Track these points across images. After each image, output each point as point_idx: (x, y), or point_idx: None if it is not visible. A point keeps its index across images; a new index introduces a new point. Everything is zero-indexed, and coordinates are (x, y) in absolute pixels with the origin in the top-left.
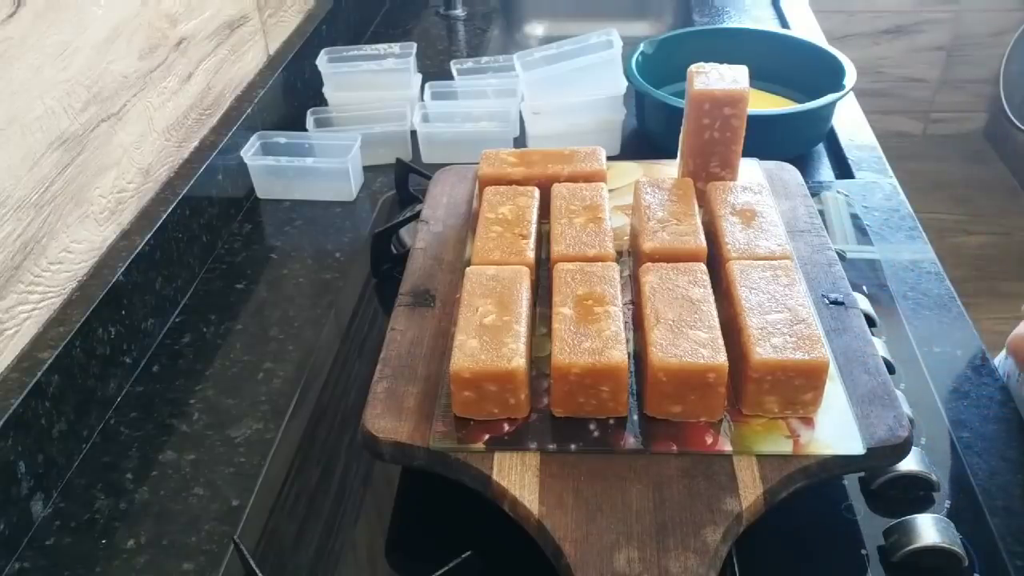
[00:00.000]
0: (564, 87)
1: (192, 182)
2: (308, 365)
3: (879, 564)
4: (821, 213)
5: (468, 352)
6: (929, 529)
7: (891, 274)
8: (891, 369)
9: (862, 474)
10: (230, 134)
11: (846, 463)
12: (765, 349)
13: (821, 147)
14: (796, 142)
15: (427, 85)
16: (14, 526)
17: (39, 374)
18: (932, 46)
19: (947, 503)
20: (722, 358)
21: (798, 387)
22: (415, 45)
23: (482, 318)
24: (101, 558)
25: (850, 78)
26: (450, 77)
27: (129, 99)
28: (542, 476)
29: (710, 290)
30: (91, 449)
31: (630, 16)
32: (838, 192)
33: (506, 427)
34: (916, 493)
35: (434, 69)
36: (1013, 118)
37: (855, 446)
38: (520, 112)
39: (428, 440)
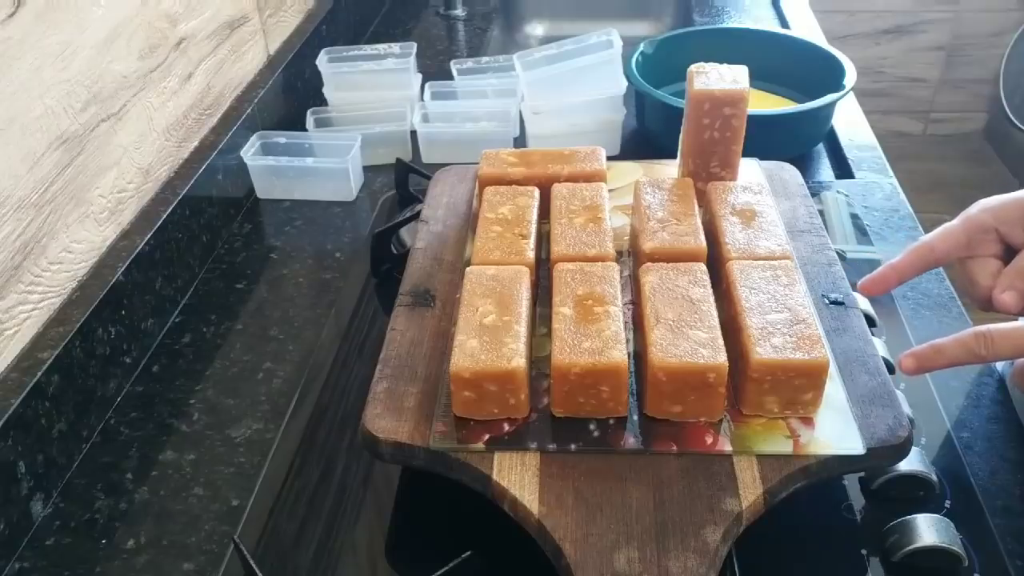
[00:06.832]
0: (564, 87)
1: (192, 182)
2: (308, 365)
3: (879, 564)
4: (821, 213)
5: (468, 352)
6: (929, 529)
7: None
8: (891, 369)
9: (862, 474)
10: (230, 134)
11: (846, 463)
12: (765, 349)
13: (821, 147)
14: (796, 142)
15: (427, 85)
16: (14, 526)
17: (39, 374)
18: (932, 46)
19: (947, 503)
20: (722, 358)
21: (798, 387)
22: (415, 45)
23: (482, 318)
24: (101, 558)
25: (850, 78)
26: (450, 77)
27: (129, 99)
28: (542, 476)
29: (710, 290)
30: (91, 449)
31: (630, 16)
32: (838, 192)
33: (506, 427)
34: (916, 493)
35: (434, 69)
36: (1013, 118)
37: (855, 446)
38: (520, 112)
39: (428, 440)
